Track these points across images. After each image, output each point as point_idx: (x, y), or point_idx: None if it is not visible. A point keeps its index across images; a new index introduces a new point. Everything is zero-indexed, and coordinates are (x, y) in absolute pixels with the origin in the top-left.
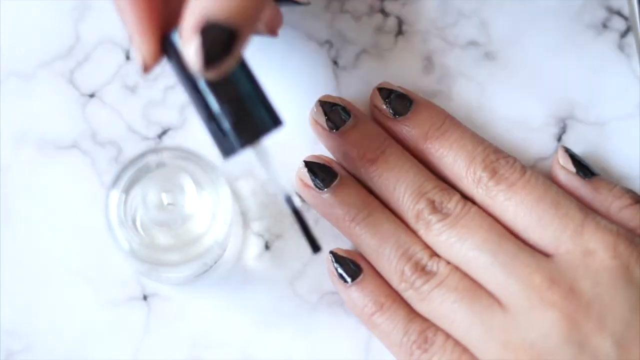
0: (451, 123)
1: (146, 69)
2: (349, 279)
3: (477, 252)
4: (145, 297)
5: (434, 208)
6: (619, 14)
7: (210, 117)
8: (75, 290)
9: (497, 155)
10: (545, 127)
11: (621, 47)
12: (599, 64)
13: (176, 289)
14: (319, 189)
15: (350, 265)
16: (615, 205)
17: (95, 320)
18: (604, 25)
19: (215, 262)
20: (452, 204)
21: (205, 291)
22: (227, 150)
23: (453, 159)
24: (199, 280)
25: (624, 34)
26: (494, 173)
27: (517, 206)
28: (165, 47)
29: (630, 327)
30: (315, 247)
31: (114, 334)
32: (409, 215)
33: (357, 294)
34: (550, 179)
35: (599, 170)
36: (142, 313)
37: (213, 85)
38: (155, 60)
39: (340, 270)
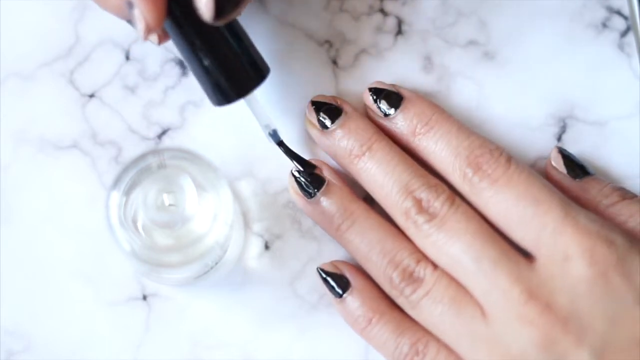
0: (438, 119)
1: (149, 31)
2: (339, 292)
3: (462, 258)
4: (145, 297)
5: (421, 207)
6: (619, 13)
7: (203, 72)
8: (75, 290)
9: (482, 150)
10: (545, 127)
11: (621, 47)
12: (599, 64)
13: (176, 289)
14: (307, 197)
15: (338, 280)
16: (603, 203)
17: (95, 320)
18: (604, 25)
19: (216, 263)
20: (439, 202)
21: (205, 291)
22: (219, 101)
23: (439, 155)
24: (199, 280)
25: (624, 34)
26: (477, 169)
27: (498, 204)
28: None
29: (609, 339)
30: (305, 165)
31: (114, 334)
32: (398, 212)
33: (348, 307)
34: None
35: (593, 170)
36: (142, 313)
37: (207, 43)
38: (160, 22)
39: (330, 285)
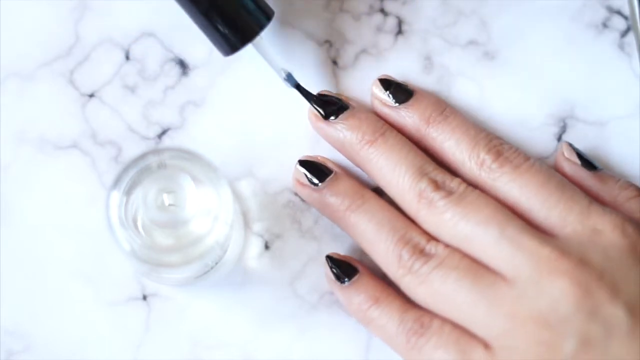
0: (452, 110)
1: None
2: (345, 279)
3: (483, 228)
4: (145, 297)
5: (437, 186)
6: (619, 13)
7: (207, 23)
8: (75, 290)
9: (500, 140)
10: (545, 127)
11: (621, 47)
12: (599, 64)
13: (176, 289)
14: (314, 185)
15: (347, 266)
16: (622, 195)
17: (95, 320)
18: (604, 25)
19: (216, 263)
20: (455, 183)
21: (205, 291)
22: (227, 50)
23: (456, 143)
24: (199, 280)
25: (624, 34)
26: (498, 155)
27: (521, 188)
28: None
29: None
30: (326, 105)
31: (114, 334)
32: (410, 195)
33: (353, 292)
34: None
35: (601, 166)
36: (142, 313)
37: None
38: None
39: (337, 271)
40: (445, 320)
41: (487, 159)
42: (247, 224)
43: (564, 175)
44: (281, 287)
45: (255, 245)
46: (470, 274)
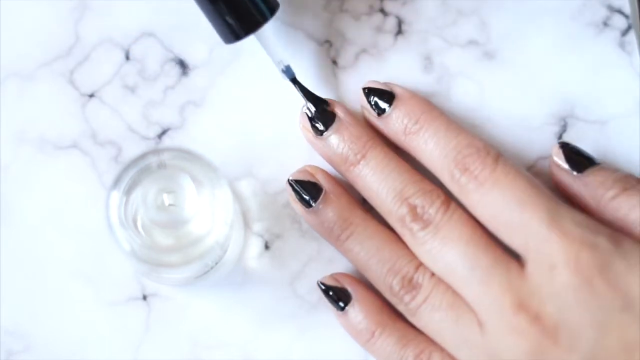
0: (427, 117)
1: None
2: (341, 305)
3: (456, 266)
4: (145, 297)
5: (415, 215)
6: (620, 12)
7: (212, 9)
8: (75, 290)
9: (469, 150)
10: (546, 126)
11: (622, 45)
12: (600, 63)
13: (176, 289)
14: (306, 206)
15: (339, 293)
16: (604, 197)
17: (95, 320)
18: (605, 24)
19: (216, 263)
20: (434, 209)
21: (205, 291)
22: (229, 38)
23: (429, 156)
24: (199, 280)
25: (624, 32)
26: (465, 169)
27: (486, 207)
28: None
29: (598, 346)
30: (319, 102)
31: (114, 334)
32: (393, 219)
33: (351, 321)
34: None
35: (600, 160)
36: (142, 313)
37: None
38: None
39: (332, 298)
40: (444, 356)
41: (456, 173)
42: (247, 224)
43: (553, 178)
44: (281, 287)
45: (255, 245)
46: (452, 314)
